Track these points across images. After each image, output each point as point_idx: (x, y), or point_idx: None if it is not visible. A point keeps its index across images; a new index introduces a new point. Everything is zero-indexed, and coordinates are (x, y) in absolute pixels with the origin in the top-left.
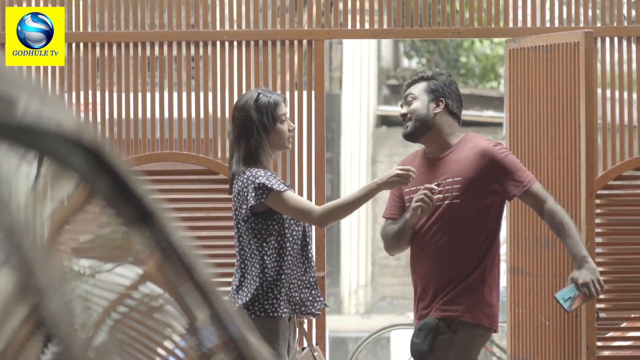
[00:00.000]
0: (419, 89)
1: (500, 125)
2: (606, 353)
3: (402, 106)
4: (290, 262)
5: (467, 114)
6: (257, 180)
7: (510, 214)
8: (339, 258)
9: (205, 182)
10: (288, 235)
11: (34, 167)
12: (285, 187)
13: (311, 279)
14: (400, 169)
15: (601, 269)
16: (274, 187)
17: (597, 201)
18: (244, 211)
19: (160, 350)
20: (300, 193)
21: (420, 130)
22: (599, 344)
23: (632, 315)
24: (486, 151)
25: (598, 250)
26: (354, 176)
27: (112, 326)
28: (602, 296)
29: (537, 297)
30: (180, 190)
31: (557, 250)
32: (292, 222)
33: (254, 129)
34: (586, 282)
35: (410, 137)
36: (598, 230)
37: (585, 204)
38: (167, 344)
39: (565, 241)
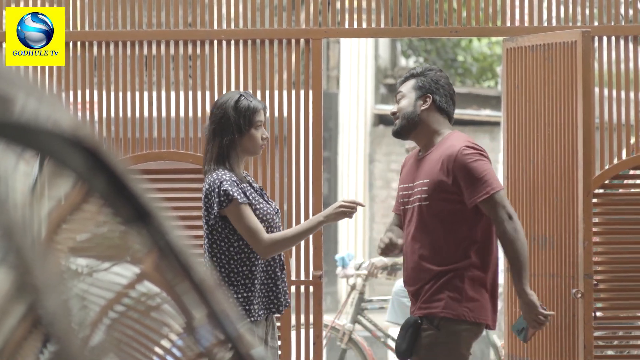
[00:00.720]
0: (407, 86)
1: (497, 124)
2: (604, 352)
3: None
4: (262, 263)
5: (465, 113)
6: (222, 186)
7: None
8: None
9: (202, 181)
10: None
11: (36, 167)
12: (245, 200)
13: (284, 276)
14: (345, 201)
15: (598, 268)
16: (235, 195)
17: (594, 200)
18: (212, 216)
19: (157, 349)
20: (298, 192)
21: (407, 127)
22: (596, 343)
23: (630, 314)
24: (452, 154)
25: (595, 249)
26: (351, 175)
27: (110, 325)
28: (600, 295)
29: None
30: (178, 189)
31: (554, 249)
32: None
33: (229, 129)
34: (526, 319)
35: (398, 134)
36: (595, 229)
37: (582, 203)
38: (165, 342)
39: (511, 272)
